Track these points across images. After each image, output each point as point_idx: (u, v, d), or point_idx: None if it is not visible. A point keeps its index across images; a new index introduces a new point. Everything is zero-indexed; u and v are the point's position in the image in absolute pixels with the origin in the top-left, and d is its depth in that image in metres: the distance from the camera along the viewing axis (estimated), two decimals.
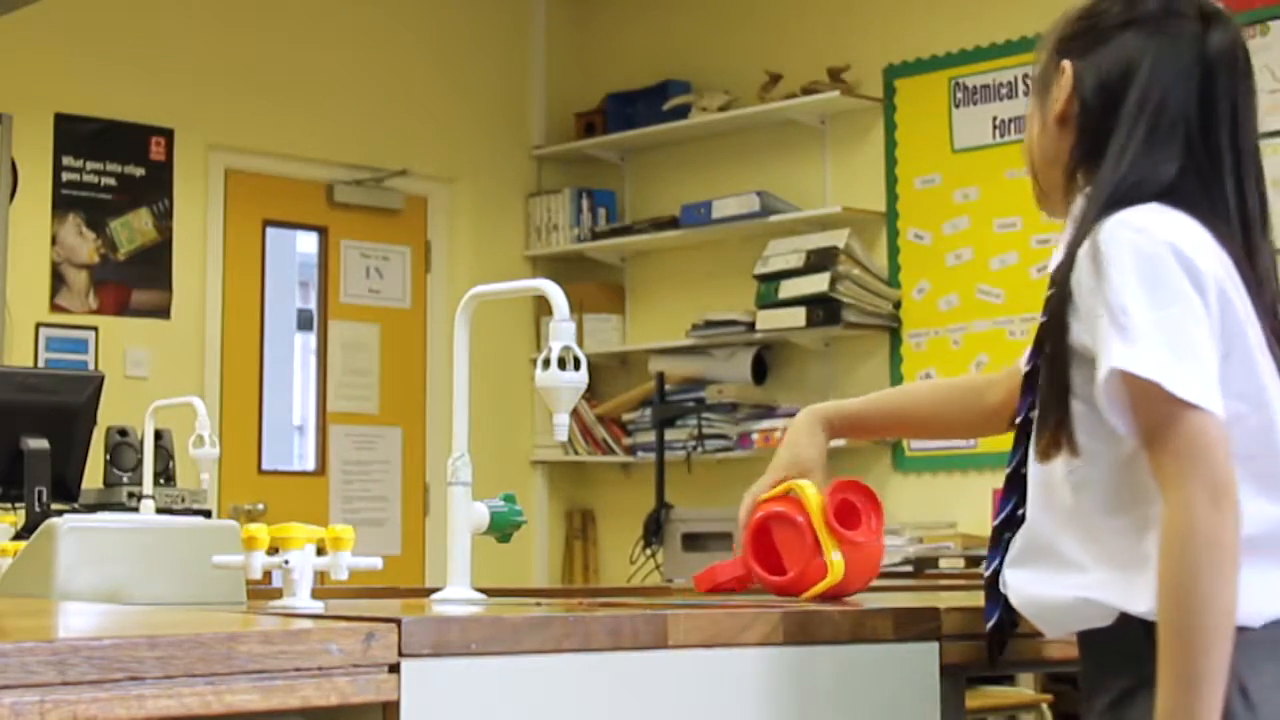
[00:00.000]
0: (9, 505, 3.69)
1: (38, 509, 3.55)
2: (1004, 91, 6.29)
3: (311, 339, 7.29)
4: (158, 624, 1.71)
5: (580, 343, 2.12)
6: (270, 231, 7.00)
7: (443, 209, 7.40)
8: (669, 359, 6.98)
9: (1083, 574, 1.87)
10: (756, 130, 6.97)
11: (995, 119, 6.32)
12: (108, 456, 4.62)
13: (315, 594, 2.04)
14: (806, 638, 1.95)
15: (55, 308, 6.34)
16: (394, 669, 1.62)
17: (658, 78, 7.27)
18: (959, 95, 6.41)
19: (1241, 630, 1.75)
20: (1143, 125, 1.89)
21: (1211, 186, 1.89)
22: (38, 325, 6.29)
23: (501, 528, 2.19)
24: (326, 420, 7.07)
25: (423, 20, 7.33)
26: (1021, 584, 1.94)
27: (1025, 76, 5.99)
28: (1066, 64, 1.96)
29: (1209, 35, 1.92)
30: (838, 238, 6.49)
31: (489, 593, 2.20)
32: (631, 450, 7.17)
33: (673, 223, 7.04)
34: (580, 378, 2.05)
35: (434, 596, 2.15)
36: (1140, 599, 1.80)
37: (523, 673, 1.74)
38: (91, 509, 4.07)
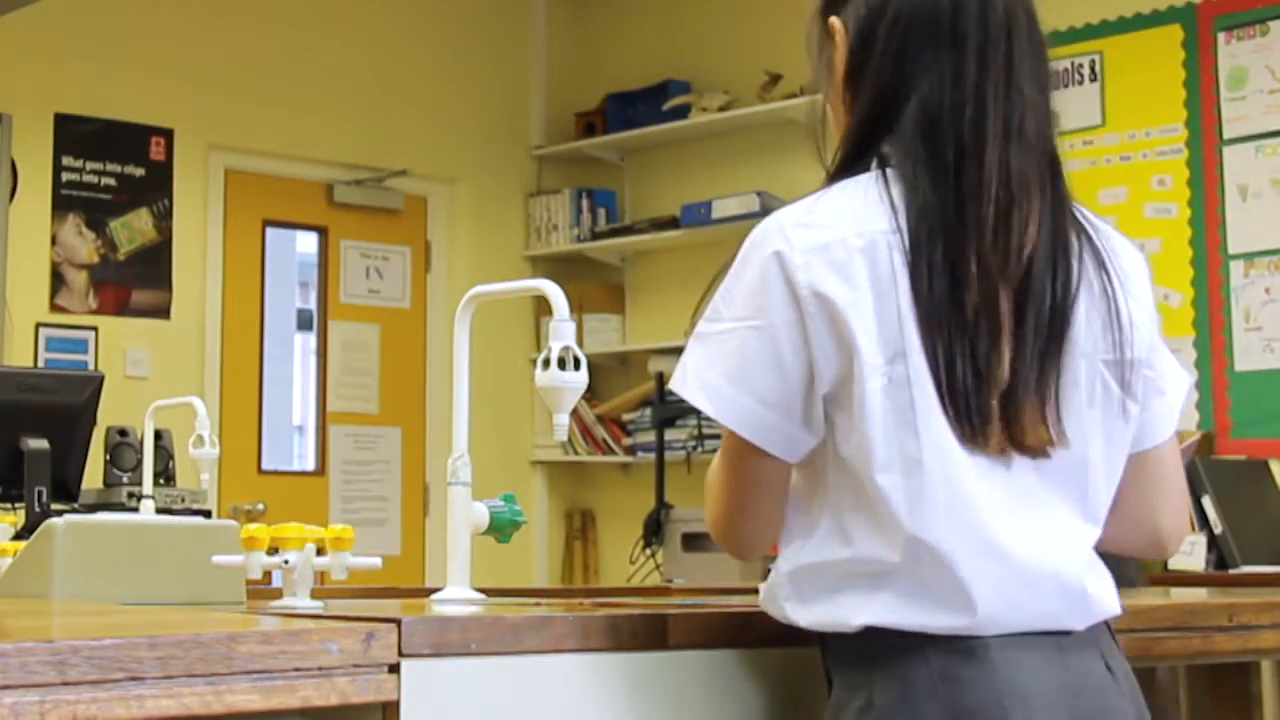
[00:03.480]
0: (9, 505, 3.68)
1: (38, 509, 3.55)
2: None
3: (311, 339, 7.29)
4: (158, 624, 1.71)
5: (580, 343, 2.12)
6: (270, 231, 7.00)
7: (443, 209, 7.40)
8: (669, 359, 6.98)
9: None
10: (756, 130, 6.96)
11: None
12: (108, 456, 4.62)
13: (315, 594, 2.04)
14: (807, 638, 1.95)
15: (55, 308, 6.34)
16: (394, 669, 1.62)
17: (658, 78, 7.27)
18: None
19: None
20: (888, 58, 1.85)
21: (944, 101, 1.78)
22: (38, 325, 6.29)
23: (501, 528, 2.19)
24: (326, 420, 7.07)
25: (423, 21, 7.32)
26: None
27: None
28: (835, 20, 1.96)
29: None
30: None
31: (489, 593, 2.20)
32: (631, 450, 7.17)
33: (673, 223, 7.04)
34: (580, 378, 2.05)
35: (434, 596, 2.15)
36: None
37: (523, 673, 1.74)
38: (91, 509, 4.06)
